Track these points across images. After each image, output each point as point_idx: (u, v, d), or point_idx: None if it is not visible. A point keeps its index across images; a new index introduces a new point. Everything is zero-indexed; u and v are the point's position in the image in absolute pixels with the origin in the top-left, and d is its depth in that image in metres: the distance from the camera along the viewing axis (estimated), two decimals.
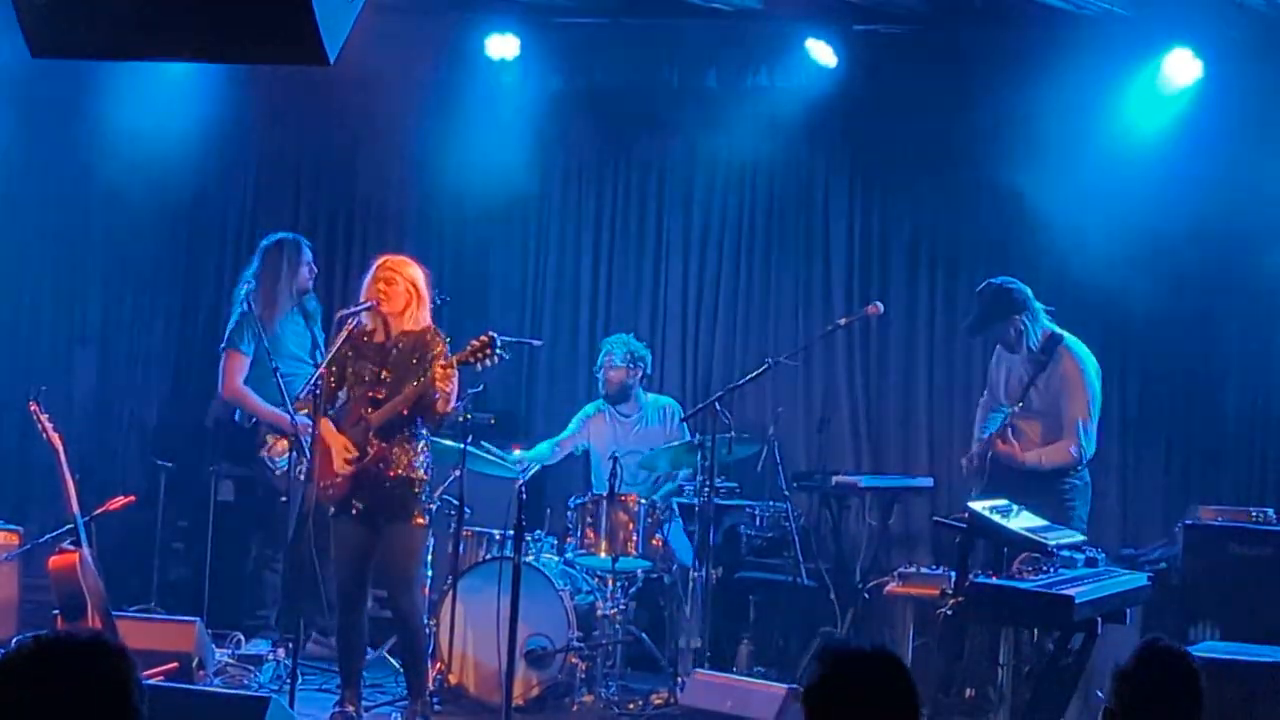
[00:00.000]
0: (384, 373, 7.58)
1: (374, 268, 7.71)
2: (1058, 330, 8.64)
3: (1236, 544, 8.33)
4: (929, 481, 9.89)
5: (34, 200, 11.32)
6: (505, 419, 9.73)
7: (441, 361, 7.47)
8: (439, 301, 8.17)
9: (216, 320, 11.43)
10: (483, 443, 9.15)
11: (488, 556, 8.69)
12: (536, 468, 9.37)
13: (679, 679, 8.32)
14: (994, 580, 7.02)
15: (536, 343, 9.38)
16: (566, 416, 10.02)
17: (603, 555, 8.71)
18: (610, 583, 8.77)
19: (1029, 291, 8.64)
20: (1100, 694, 7.69)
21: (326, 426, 7.52)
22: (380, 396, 7.54)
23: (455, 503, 8.31)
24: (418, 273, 7.72)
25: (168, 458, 10.33)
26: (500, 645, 7.34)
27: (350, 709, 7.60)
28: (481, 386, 8.39)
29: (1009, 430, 8.51)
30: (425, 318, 7.68)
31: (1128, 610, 7.60)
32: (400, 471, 7.54)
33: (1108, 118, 9.64)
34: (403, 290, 7.58)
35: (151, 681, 6.55)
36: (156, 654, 7.79)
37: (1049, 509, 8.01)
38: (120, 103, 10.64)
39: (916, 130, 10.25)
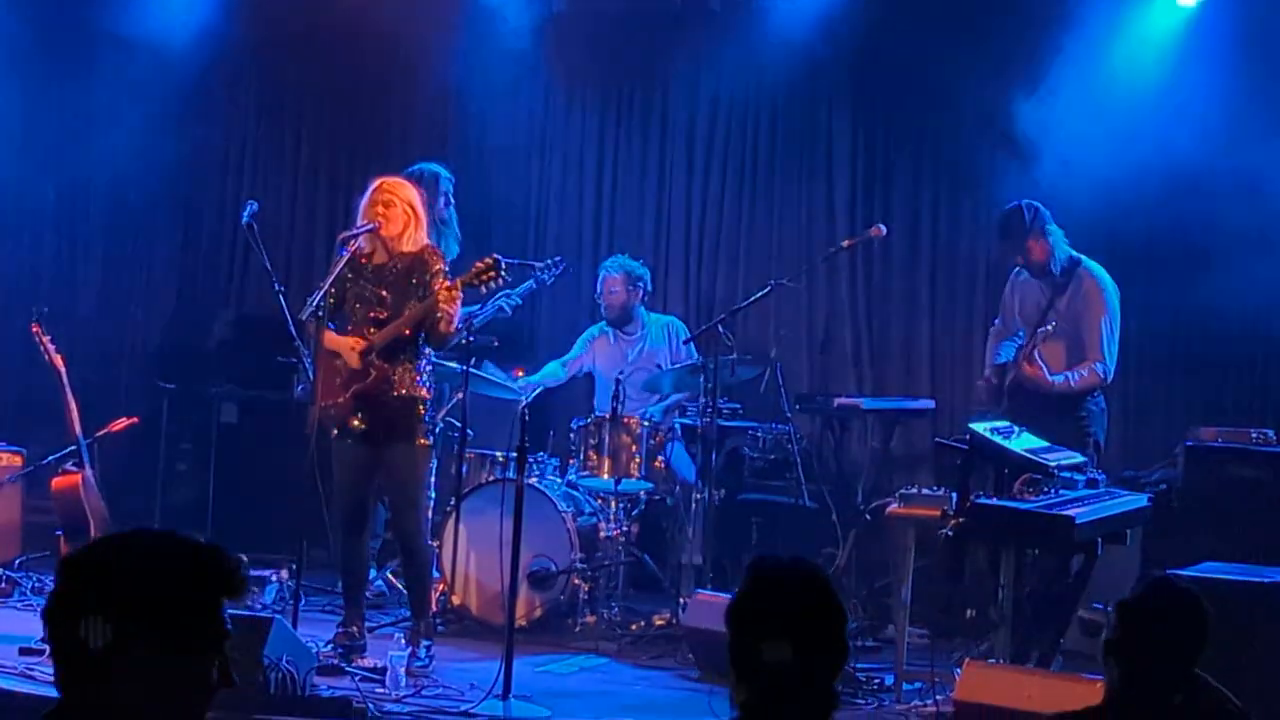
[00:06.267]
0: (384, 293, 7.55)
1: (371, 190, 7.64)
2: (1075, 253, 8.61)
3: (1237, 465, 8.32)
4: (931, 403, 9.88)
5: (35, 120, 11.28)
6: (509, 341, 9.70)
7: (445, 281, 7.45)
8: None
9: (219, 242, 11.45)
10: (485, 363, 9.14)
11: (490, 478, 8.69)
12: (540, 389, 9.37)
13: (681, 600, 8.35)
14: (995, 501, 7.03)
15: (539, 265, 9.33)
16: (570, 338, 10.01)
17: (605, 477, 8.74)
18: (613, 504, 8.80)
19: (1048, 214, 8.59)
20: (1098, 605, 7.74)
21: (330, 335, 7.49)
22: (382, 317, 7.51)
23: (458, 425, 8.30)
24: (414, 194, 7.67)
25: (170, 379, 10.34)
26: (503, 567, 7.35)
27: (353, 629, 7.61)
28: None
29: (1035, 353, 8.42)
30: (423, 238, 7.64)
31: (1128, 531, 7.62)
32: (404, 391, 7.51)
33: (1115, 37, 9.58)
34: (401, 212, 7.53)
35: None
36: None
37: (1066, 435, 7.99)
38: (122, 21, 10.59)
39: (921, 51, 10.16)
